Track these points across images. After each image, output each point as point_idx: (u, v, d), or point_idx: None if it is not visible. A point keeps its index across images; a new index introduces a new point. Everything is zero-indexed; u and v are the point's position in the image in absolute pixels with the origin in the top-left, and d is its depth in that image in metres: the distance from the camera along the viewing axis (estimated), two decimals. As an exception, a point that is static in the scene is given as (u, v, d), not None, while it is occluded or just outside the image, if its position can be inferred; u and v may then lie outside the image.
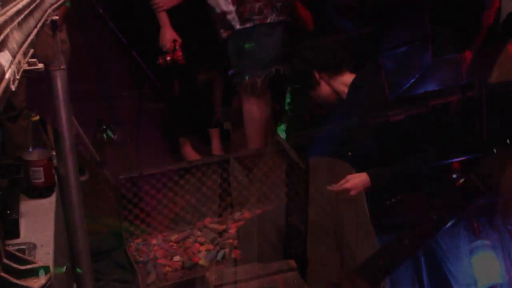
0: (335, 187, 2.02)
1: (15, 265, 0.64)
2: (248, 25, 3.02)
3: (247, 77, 3.08)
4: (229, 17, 3.03)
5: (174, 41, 3.19)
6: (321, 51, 2.10)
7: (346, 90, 2.10)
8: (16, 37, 0.76)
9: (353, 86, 2.07)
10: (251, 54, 2.98)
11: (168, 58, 3.19)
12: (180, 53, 3.18)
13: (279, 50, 3.07)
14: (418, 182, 2.00)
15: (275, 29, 3.06)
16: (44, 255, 1.25)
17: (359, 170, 2.10)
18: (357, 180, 1.98)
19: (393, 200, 2.01)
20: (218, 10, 3.06)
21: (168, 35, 3.20)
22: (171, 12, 3.22)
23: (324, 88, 2.12)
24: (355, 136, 2.09)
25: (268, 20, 3.02)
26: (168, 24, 3.20)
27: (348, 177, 2.00)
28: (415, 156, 1.97)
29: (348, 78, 2.11)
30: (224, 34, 3.07)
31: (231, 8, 3.00)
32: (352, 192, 1.97)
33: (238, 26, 3.02)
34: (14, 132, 2.33)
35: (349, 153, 2.11)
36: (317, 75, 2.09)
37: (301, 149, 2.35)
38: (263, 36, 3.04)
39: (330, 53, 2.08)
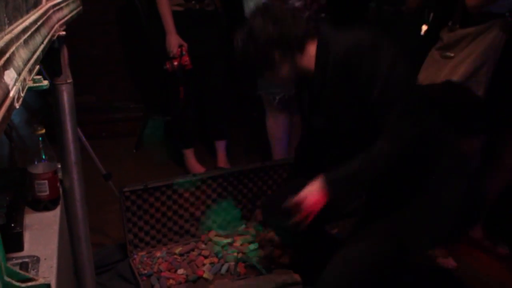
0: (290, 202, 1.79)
1: (16, 283, 0.64)
2: None
3: (273, 92, 3.12)
4: None
5: (181, 46, 3.21)
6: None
7: (309, 62, 1.80)
8: (22, 54, 0.77)
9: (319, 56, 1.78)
10: None
11: (175, 63, 3.21)
12: (187, 58, 3.21)
13: None
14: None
15: None
16: (48, 269, 1.25)
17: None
18: (311, 186, 1.75)
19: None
20: None
21: (174, 41, 3.22)
22: (176, 18, 3.24)
23: (284, 67, 1.80)
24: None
25: None
26: (174, 30, 3.22)
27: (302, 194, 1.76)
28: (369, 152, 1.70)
29: (309, 48, 1.80)
30: None
31: None
32: (308, 200, 1.72)
33: None
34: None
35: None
36: (276, 55, 1.77)
37: None
38: None
39: (292, 30, 1.73)
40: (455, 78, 2.22)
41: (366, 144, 1.70)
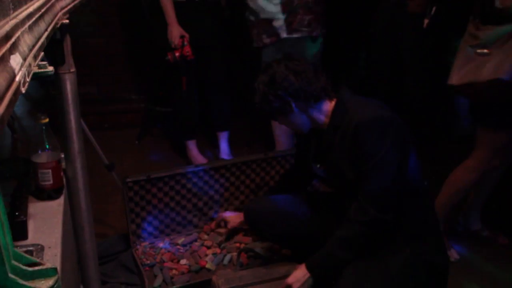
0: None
1: (23, 267, 0.64)
2: (295, 35, 3.09)
3: None
4: (276, 24, 3.07)
5: (182, 37, 3.21)
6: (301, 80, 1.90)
7: (323, 118, 1.96)
8: (27, 40, 0.77)
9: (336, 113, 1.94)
10: None
11: (177, 54, 3.21)
12: (189, 49, 3.21)
13: (319, 62, 3.23)
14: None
15: (316, 42, 3.19)
16: (52, 257, 1.25)
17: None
18: (296, 272, 1.94)
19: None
20: (262, 16, 3.09)
21: (176, 32, 3.22)
22: (177, 9, 3.24)
23: (299, 116, 1.96)
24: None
25: (314, 34, 3.15)
26: (175, 21, 3.22)
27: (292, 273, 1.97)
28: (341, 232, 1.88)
29: (326, 106, 1.96)
30: (266, 40, 3.11)
31: (281, 16, 3.04)
32: (295, 286, 1.91)
33: (284, 35, 3.07)
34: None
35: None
36: (293, 104, 1.92)
37: None
38: (307, 47, 3.14)
39: (312, 85, 1.90)
40: (501, 75, 2.18)
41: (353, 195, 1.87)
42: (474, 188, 2.62)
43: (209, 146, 3.87)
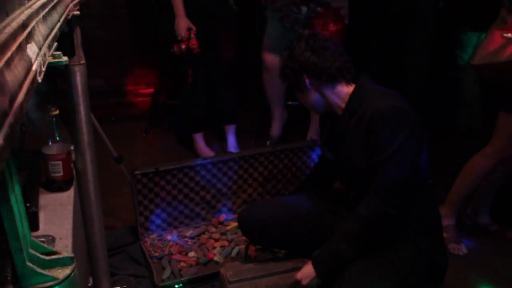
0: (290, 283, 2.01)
1: (40, 256, 0.64)
2: None
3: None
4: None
5: (189, 29, 3.21)
6: (319, 58, 1.90)
7: (338, 101, 1.95)
8: (42, 30, 0.77)
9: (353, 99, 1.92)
10: None
11: (183, 46, 3.20)
12: (195, 41, 3.20)
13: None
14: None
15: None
16: (63, 248, 1.25)
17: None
18: (304, 269, 1.94)
19: None
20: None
21: (183, 24, 3.22)
22: (186, 1, 3.24)
23: (312, 94, 1.95)
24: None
25: None
26: (183, 13, 3.22)
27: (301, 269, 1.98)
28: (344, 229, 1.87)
29: (342, 89, 1.94)
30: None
31: None
32: (303, 282, 1.91)
33: None
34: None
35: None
36: (306, 80, 1.92)
37: None
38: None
39: (326, 63, 1.88)
40: None
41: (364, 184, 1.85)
42: (485, 181, 2.61)
43: (217, 139, 3.87)
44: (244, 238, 2.55)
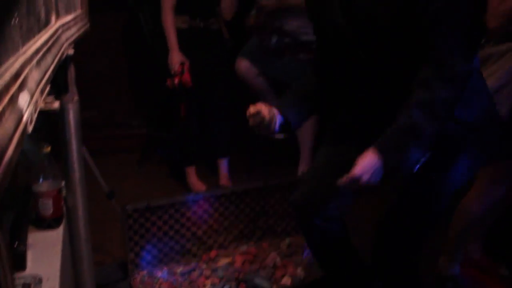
0: (344, 181, 1.52)
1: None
2: None
3: None
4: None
5: (182, 64, 3.23)
6: None
7: None
8: (35, 75, 0.77)
9: None
10: None
11: (176, 80, 3.22)
12: (188, 76, 3.22)
13: None
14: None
15: None
16: (50, 289, 1.24)
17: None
18: (363, 161, 1.48)
19: None
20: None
21: (176, 58, 3.25)
22: (180, 36, 3.26)
23: None
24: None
25: None
26: (176, 47, 3.25)
27: (357, 162, 1.51)
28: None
29: None
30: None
31: None
32: (364, 178, 1.47)
33: None
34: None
35: None
36: None
37: None
38: None
39: None
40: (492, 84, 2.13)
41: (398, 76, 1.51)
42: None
43: (209, 172, 3.86)
44: (235, 275, 2.52)
